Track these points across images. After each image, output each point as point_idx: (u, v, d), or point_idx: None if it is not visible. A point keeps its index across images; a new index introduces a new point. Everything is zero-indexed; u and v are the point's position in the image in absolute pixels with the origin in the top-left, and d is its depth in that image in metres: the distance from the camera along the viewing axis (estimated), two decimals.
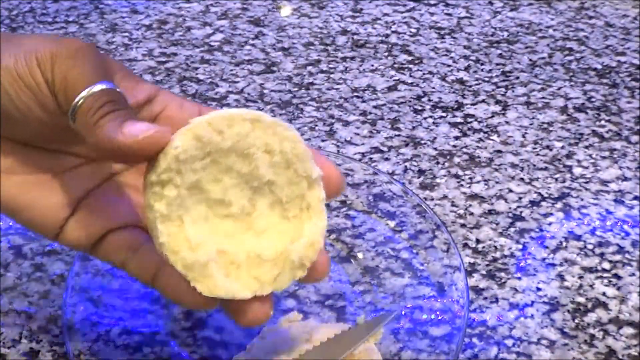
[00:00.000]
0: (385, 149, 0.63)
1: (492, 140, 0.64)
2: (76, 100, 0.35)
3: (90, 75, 0.36)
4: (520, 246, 0.55)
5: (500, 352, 0.48)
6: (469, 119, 0.67)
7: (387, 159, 0.62)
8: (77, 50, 0.37)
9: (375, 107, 0.68)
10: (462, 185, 0.60)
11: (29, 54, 0.37)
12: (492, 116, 0.67)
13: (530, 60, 0.74)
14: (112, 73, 0.39)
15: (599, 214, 0.58)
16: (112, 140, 0.34)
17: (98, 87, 0.35)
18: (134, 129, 0.34)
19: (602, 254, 0.55)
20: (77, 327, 0.50)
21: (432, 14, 0.81)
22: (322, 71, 0.72)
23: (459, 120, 0.67)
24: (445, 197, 0.59)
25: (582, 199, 0.59)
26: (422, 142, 0.64)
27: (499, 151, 0.63)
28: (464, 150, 0.63)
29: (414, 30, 0.79)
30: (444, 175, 0.60)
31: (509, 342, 0.49)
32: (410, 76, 0.72)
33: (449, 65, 0.73)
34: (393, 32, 0.79)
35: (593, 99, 0.69)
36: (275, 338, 0.46)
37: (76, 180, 0.40)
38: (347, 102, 0.68)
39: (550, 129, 0.66)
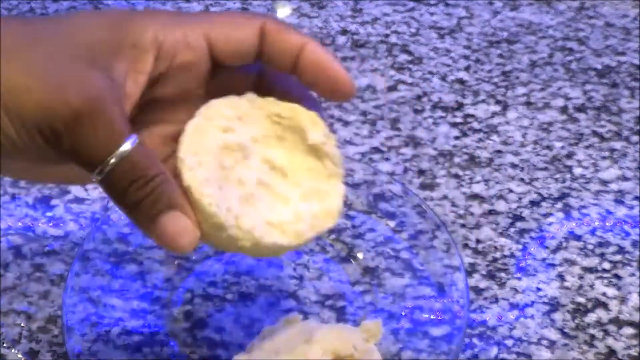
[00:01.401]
0: (385, 149, 0.63)
1: (492, 140, 0.64)
2: (100, 168, 0.33)
3: (109, 137, 0.33)
4: (520, 246, 0.55)
5: (500, 352, 0.48)
6: (469, 119, 0.67)
7: (387, 159, 0.62)
8: (89, 115, 0.33)
9: (375, 107, 0.68)
10: (462, 185, 0.60)
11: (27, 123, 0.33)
12: (492, 116, 0.67)
13: (530, 60, 0.74)
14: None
15: (599, 214, 0.58)
16: (145, 231, 0.35)
17: (121, 150, 0.33)
18: (165, 231, 0.34)
19: (602, 254, 0.55)
20: (76, 327, 0.50)
21: (432, 14, 0.81)
22: None
23: (459, 120, 0.66)
24: (445, 197, 0.59)
25: (582, 199, 0.59)
26: (422, 142, 0.64)
27: (499, 151, 0.63)
28: (464, 150, 0.63)
29: (414, 30, 0.79)
30: (444, 176, 0.60)
31: (509, 342, 0.49)
32: (410, 76, 0.72)
33: (449, 65, 0.73)
34: (393, 32, 0.79)
35: (593, 99, 0.69)
36: (275, 338, 0.46)
37: None
38: (347, 102, 0.68)
39: (550, 129, 0.66)
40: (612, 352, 0.49)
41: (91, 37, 0.35)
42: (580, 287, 0.52)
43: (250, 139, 0.38)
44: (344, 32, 0.78)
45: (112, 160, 0.33)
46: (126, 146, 0.33)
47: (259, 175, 0.38)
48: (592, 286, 0.52)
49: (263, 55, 0.38)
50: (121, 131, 0.33)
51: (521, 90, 0.70)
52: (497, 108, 0.68)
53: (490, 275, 0.53)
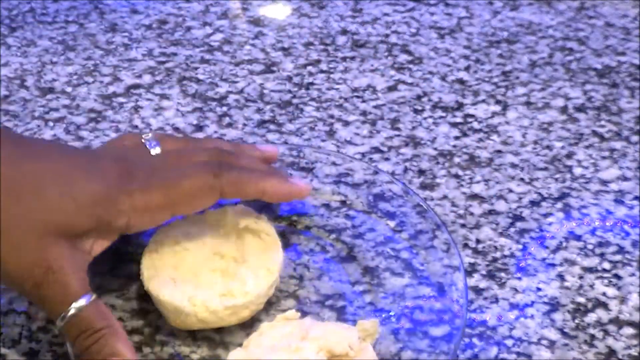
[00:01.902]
0: (385, 149, 0.63)
1: (492, 140, 0.64)
2: (61, 317, 0.43)
3: (64, 297, 0.43)
4: (520, 246, 0.55)
5: (500, 352, 0.48)
6: (469, 119, 0.67)
7: (387, 159, 0.62)
8: (47, 273, 0.43)
9: (375, 107, 0.68)
10: (462, 185, 0.60)
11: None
12: (492, 116, 0.67)
13: (530, 60, 0.74)
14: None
15: (599, 214, 0.58)
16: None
17: (74, 307, 0.43)
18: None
19: (602, 254, 0.55)
20: None
21: (432, 14, 0.81)
22: (322, 71, 0.72)
23: (459, 120, 0.66)
24: (445, 197, 0.59)
25: (582, 199, 0.59)
26: (422, 142, 0.64)
27: (499, 151, 0.63)
28: (464, 150, 0.63)
29: (414, 30, 0.79)
30: (444, 176, 0.60)
31: (509, 342, 0.49)
32: (410, 76, 0.72)
33: (449, 65, 0.73)
34: (393, 32, 0.79)
35: (593, 99, 0.69)
36: (272, 334, 0.46)
37: None
38: (347, 102, 0.68)
39: (550, 129, 0.66)
40: (612, 352, 0.49)
41: (71, 216, 0.44)
42: (580, 287, 0.52)
43: (196, 244, 0.50)
44: (344, 32, 0.78)
45: (66, 314, 0.43)
46: (80, 303, 0.43)
47: (211, 266, 0.49)
48: (592, 286, 0.52)
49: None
50: (75, 292, 0.43)
51: (521, 90, 0.70)
52: (497, 108, 0.68)
53: (490, 275, 0.53)
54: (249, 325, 0.49)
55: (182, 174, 0.47)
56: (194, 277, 0.49)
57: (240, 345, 0.47)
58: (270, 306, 0.50)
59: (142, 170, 0.48)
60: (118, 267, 0.52)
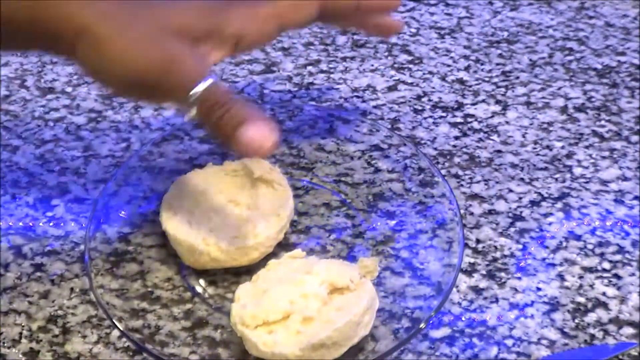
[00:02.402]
0: (385, 146, 0.63)
1: (492, 140, 0.64)
2: (187, 102, 0.45)
3: (189, 79, 0.45)
4: (520, 246, 0.55)
5: (500, 352, 0.48)
6: (469, 119, 0.67)
7: (387, 157, 0.62)
8: (172, 61, 0.46)
9: (375, 107, 0.68)
10: (462, 185, 0.60)
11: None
12: (492, 116, 0.67)
13: (530, 60, 0.74)
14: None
15: (599, 214, 0.58)
16: (230, 143, 0.45)
17: (200, 87, 0.45)
18: (245, 137, 0.45)
19: (602, 254, 0.55)
20: (77, 328, 0.50)
21: (432, 14, 0.81)
22: (322, 71, 0.72)
23: (459, 120, 0.67)
24: (444, 196, 0.59)
25: (582, 199, 0.59)
26: (422, 142, 0.64)
27: (499, 151, 0.63)
28: (464, 150, 0.63)
29: (414, 30, 0.79)
30: (444, 175, 0.60)
31: (509, 342, 0.49)
32: (410, 76, 0.72)
33: (449, 65, 0.73)
34: None
35: (593, 99, 0.69)
36: (279, 269, 0.50)
37: None
38: (347, 102, 0.68)
39: (550, 129, 0.66)
40: None
41: (189, 18, 0.48)
42: (580, 287, 0.52)
43: (213, 192, 0.53)
44: (344, 32, 0.78)
45: (197, 91, 0.45)
46: (204, 84, 0.45)
47: (225, 212, 0.52)
48: (592, 286, 0.52)
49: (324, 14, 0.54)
50: (202, 72, 0.46)
51: (521, 90, 0.70)
52: (497, 108, 0.68)
53: (490, 275, 0.53)
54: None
55: None
56: (209, 221, 0.52)
57: (239, 343, 0.47)
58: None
59: None
60: (118, 267, 0.52)
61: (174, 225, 0.52)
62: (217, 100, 0.45)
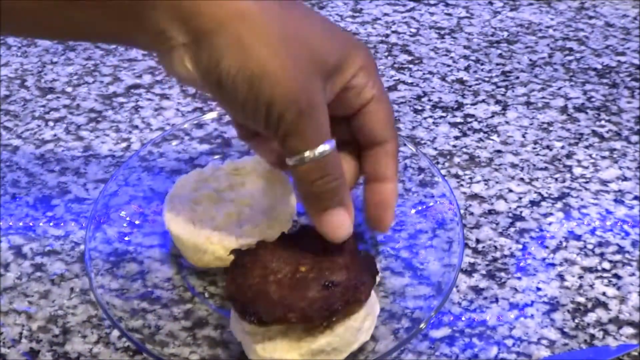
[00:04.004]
0: None
1: (492, 140, 0.64)
2: (300, 157, 0.41)
3: (317, 135, 0.41)
4: (520, 246, 0.55)
5: (500, 352, 0.48)
6: (469, 119, 0.67)
7: None
8: (310, 106, 0.40)
9: None
10: (462, 185, 0.60)
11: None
12: (492, 116, 0.67)
13: (530, 60, 0.74)
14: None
15: (599, 214, 0.58)
16: (313, 217, 0.44)
17: (321, 149, 0.41)
18: (330, 222, 0.44)
19: (602, 254, 0.55)
20: (77, 328, 0.50)
21: (432, 14, 0.81)
22: None
23: (459, 120, 0.67)
24: (444, 196, 0.59)
25: (582, 199, 0.59)
26: (422, 142, 0.64)
27: (499, 151, 0.63)
28: (464, 150, 0.63)
29: (414, 30, 0.79)
30: (444, 175, 0.60)
31: (509, 342, 0.49)
32: (410, 76, 0.72)
33: (449, 65, 0.73)
34: (393, 32, 0.79)
35: (593, 99, 0.69)
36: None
37: None
38: None
39: (550, 129, 0.66)
40: None
41: (326, 52, 0.42)
42: (580, 286, 0.52)
43: (214, 191, 0.53)
44: None
45: (310, 155, 0.41)
46: (325, 147, 0.41)
47: (227, 210, 0.52)
48: (592, 286, 0.52)
49: None
50: (326, 133, 0.42)
51: (521, 90, 0.70)
52: (497, 108, 0.68)
53: (490, 275, 0.53)
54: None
55: None
56: (212, 220, 0.52)
57: (239, 344, 0.47)
58: None
59: None
60: (118, 267, 0.52)
61: (177, 224, 0.52)
62: (326, 171, 0.42)
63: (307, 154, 0.41)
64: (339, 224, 0.44)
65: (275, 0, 0.41)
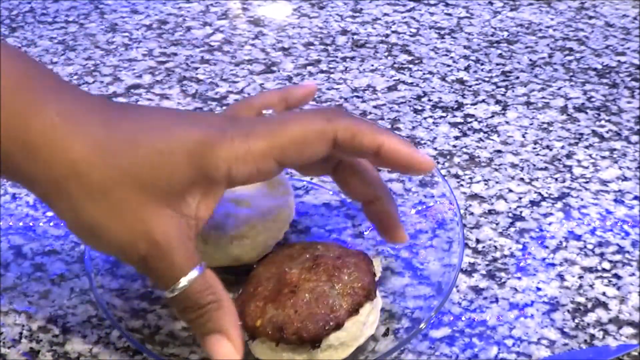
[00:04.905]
0: None
1: (492, 140, 0.64)
2: (172, 288, 0.40)
3: (171, 273, 0.40)
4: (520, 246, 0.55)
5: (500, 352, 0.48)
6: (469, 119, 0.67)
7: None
8: (153, 247, 0.40)
9: (375, 107, 0.68)
10: (462, 185, 0.60)
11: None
12: (492, 116, 0.67)
13: (530, 60, 0.74)
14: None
15: (599, 214, 0.58)
16: (200, 342, 0.42)
17: (181, 284, 0.40)
18: (212, 348, 0.41)
19: (602, 254, 0.55)
20: (77, 328, 0.50)
21: (432, 14, 0.81)
22: (322, 71, 0.72)
23: (459, 120, 0.67)
24: (444, 196, 0.59)
25: (582, 199, 0.59)
26: (422, 142, 0.64)
27: (499, 151, 0.63)
28: (464, 150, 0.63)
29: (414, 30, 0.79)
30: (444, 175, 0.60)
31: (509, 342, 0.49)
32: (410, 76, 0.72)
33: (449, 65, 0.73)
34: (393, 32, 0.79)
35: (593, 99, 0.69)
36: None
37: None
38: (347, 102, 0.68)
39: (550, 129, 0.66)
40: None
41: (169, 169, 0.39)
42: (580, 286, 0.52)
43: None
44: (344, 32, 0.78)
45: (174, 289, 0.40)
46: (187, 279, 0.40)
47: (226, 211, 0.51)
48: (592, 286, 0.52)
49: (338, 152, 0.43)
50: (182, 268, 0.40)
51: (521, 90, 0.70)
52: (497, 108, 0.68)
53: (490, 275, 0.53)
54: None
55: (290, 118, 0.42)
56: (210, 220, 0.50)
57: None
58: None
59: (245, 118, 0.44)
60: (118, 267, 0.52)
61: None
62: (193, 303, 0.41)
63: (166, 292, 0.41)
64: (220, 350, 0.41)
65: (106, 133, 0.39)
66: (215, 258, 0.50)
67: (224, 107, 0.68)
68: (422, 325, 0.46)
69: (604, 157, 0.63)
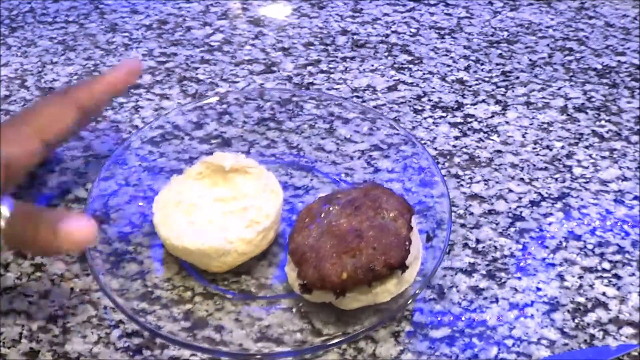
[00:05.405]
0: (384, 146, 0.63)
1: (492, 140, 0.64)
2: None
3: None
4: (520, 246, 0.55)
5: (500, 352, 0.48)
6: (469, 119, 0.67)
7: (386, 157, 0.62)
8: None
9: (375, 107, 0.68)
10: (462, 185, 0.60)
11: None
12: (492, 116, 0.67)
13: (530, 60, 0.74)
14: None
15: (599, 214, 0.58)
16: (50, 246, 0.45)
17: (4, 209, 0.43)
18: (67, 228, 0.44)
19: (602, 254, 0.55)
20: (77, 328, 0.50)
21: (432, 14, 0.81)
22: (322, 71, 0.72)
23: (459, 120, 0.67)
24: (444, 196, 0.59)
25: (582, 199, 0.59)
26: (422, 142, 0.64)
27: (499, 151, 0.63)
28: (464, 150, 0.63)
29: (414, 30, 0.79)
30: (444, 175, 0.60)
31: (509, 342, 0.49)
32: (410, 76, 0.72)
33: (449, 65, 0.73)
34: (393, 32, 0.79)
35: (593, 99, 0.69)
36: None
37: None
38: (346, 102, 0.68)
39: (550, 129, 0.66)
40: None
41: None
42: (580, 287, 0.52)
43: (195, 199, 0.54)
44: (344, 32, 0.78)
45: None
46: (4, 208, 0.44)
47: (219, 210, 0.53)
48: (592, 286, 0.52)
49: None
50: None
51: (521, 90, 0.70)
52: (497, 108, 0.68)
53: (490, 275, 0.53)
54: (249, 324, 0.49)
55: None
56: (212, 224, 0.53)
57: (240, 344, 0.47)
58: (270, 305, 0.51)
59: None
60: (118, 267, 0.52)
61: (188, 241, 0.50)
62: (25, 217, 0.44)
63: None
64: (75, 225, 0.45)
65: None
66: (243, 252, 0.51)
67: (224, 106, 0.68)
68: (410, 303, 0.46)
69: (604, 157, 0.63)
